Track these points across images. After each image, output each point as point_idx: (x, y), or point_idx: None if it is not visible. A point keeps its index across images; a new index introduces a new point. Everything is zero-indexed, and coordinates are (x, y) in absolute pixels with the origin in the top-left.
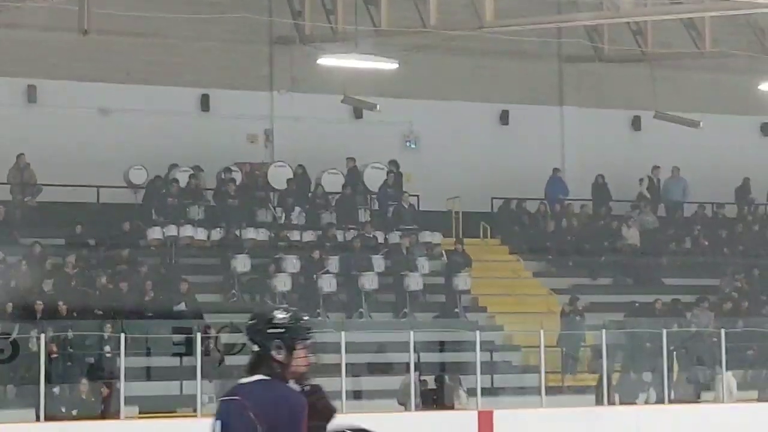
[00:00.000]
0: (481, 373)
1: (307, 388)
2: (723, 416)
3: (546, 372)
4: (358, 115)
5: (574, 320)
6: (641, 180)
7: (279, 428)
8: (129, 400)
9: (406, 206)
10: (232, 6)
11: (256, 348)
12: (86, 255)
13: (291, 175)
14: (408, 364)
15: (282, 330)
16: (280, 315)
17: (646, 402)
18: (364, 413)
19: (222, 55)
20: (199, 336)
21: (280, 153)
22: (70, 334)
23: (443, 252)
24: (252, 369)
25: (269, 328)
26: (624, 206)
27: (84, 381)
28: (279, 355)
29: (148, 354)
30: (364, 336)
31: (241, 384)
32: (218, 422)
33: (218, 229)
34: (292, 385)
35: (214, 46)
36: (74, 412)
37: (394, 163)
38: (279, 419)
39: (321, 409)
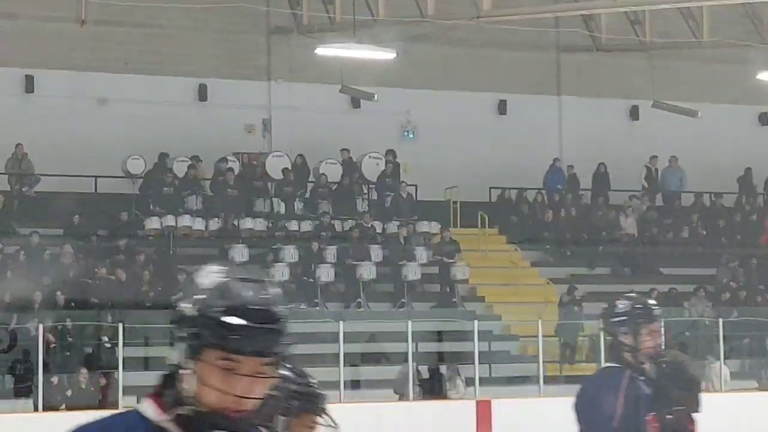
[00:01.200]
0: (479, 363)
1: (664, 365)
2: (722, 405)
3: (544, 361)
4: (355, 104)
5: (572, 310)
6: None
7: (579, 419)
8: (127, 390)
9: (404, 196)
10: None
11: (608, 337)
12: (84, 245)
13: (289, 165)
14: (406, 354)
15: (624, 317)
16: (621, 303)
17: None
18: (362, 403)
19: (219, 44)
20: None
21: (277, 143)
22: (68, 323)
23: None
24: (609, 357)
25: (612, 317)
26: (622, 196)
27: (82, 371)
28: (626, 340)
29: (147, 344)
30: (362, 326)
31: None
32: None
33: (216, 219)
34: (647, 367)
35: (212, 36)
36: (72, 402)
37: (391, 153)
38: (578, 413)
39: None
